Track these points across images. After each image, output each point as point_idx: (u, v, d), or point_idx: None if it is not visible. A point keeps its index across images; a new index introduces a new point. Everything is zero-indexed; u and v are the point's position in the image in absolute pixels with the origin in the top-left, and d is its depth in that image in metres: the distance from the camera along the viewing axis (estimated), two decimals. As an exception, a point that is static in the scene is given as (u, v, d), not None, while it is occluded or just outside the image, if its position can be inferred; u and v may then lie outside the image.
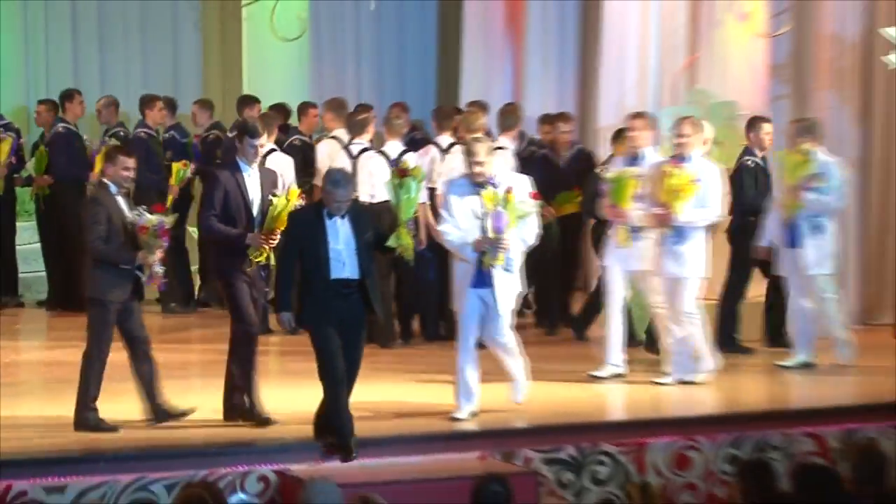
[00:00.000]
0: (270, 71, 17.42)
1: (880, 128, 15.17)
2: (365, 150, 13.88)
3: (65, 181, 15.71)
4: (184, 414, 10.41)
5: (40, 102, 16.46)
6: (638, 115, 12.61)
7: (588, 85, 17.32)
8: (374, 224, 10.12)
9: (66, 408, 10.59)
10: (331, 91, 17.97)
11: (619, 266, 12.21)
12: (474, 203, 10.58)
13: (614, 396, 11.86)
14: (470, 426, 10.67)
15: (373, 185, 13.48)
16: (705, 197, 11.84)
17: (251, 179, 10.39)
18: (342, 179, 9.77)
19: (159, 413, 10.39)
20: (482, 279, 10.60)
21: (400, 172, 10.30)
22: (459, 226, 10.59)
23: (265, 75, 17.37)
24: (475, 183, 10.60)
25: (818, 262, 12.67)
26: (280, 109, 15.79)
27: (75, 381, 10.31)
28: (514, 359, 10.86)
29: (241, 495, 9.57)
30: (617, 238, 12.19)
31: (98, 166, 15.36)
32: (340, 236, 9.72)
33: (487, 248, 10.53)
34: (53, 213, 15.99)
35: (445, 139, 14.10)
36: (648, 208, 11.93)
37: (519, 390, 10.93)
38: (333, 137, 14.60)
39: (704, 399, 11.88)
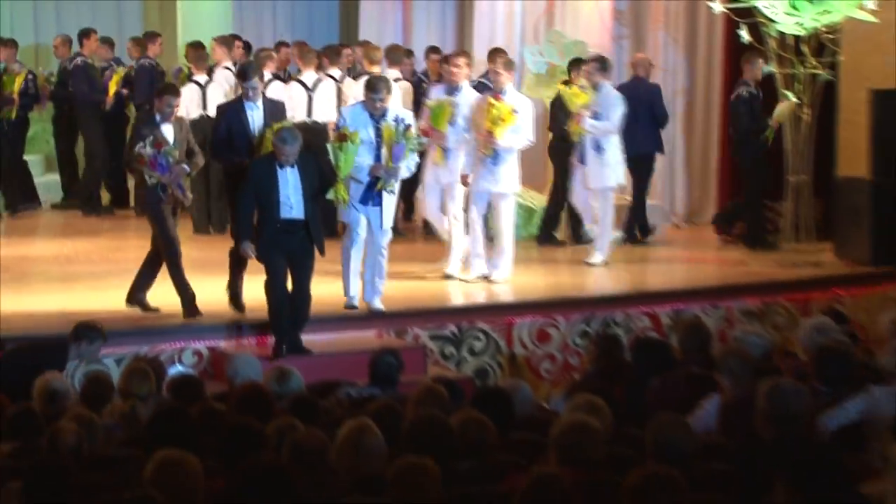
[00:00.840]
0: (201, 15, 17.03)
1: (702, 61, 15.18)
2: (270, 80, 13.59)
3: (85, 105, 15.46)
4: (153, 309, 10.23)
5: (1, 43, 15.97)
6: (460, 54, 12.34)
7: (464, 26, 17.12)
8: (318, 169, 9.79)
9: (21, 299, 10.39)
10: (251, 30, 17.65)
11: (435, 181, 11.84)
12: (369, 131, 10.28)
13: (484, 286, 11.65)
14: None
15: (293, 108, 13.13)
16: (519, 125, 11.42)
17: (256, 113, 10.18)
18: (289, 137, 9.49)
19: (133, 301, 10.26)
20: (370, 198, 10.31)
21: (340, 136, 9.97)
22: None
23: (196, 19, 16.97)
24: (372, 115, 10.31)
25: (598, 177, 12.45)
26: (199, 47, 15.28)
27: (27, 275, 9.84)
28: (382, 263, 10.44)
29: (179, 366, 9.47)
30: (434, 157, 11.84)
31: (112, 91, 15.40)
32: (290, 183, 9.49)
33: (382, 174, 10.27)
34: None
35: (336, 72, 13.87)
36: (472, 134, 11.49)
37: (376, 292, 10.44)
38: (227, 68, 14.16)
39: (560, 285, 11.85)
